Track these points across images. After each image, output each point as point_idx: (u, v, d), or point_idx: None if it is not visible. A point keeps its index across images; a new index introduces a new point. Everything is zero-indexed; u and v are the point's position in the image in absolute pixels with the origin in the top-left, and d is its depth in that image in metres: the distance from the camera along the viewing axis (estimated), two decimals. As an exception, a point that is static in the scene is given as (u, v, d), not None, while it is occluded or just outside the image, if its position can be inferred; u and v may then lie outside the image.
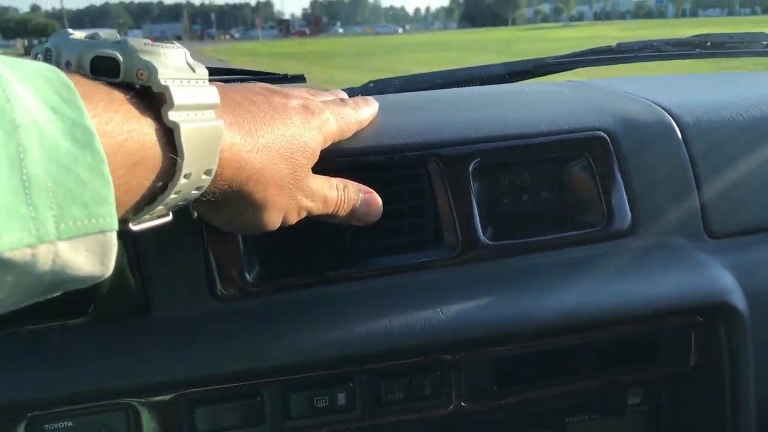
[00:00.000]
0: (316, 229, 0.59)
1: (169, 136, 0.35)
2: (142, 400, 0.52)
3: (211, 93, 0.38)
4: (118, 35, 0.36)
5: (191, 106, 0.36)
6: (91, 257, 0.30)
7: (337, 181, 0.53)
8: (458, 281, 0.59)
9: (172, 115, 0.35)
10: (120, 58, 0.34)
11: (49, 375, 0.51)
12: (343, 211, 0.53)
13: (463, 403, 0.58)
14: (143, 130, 0.33)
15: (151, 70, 0.34)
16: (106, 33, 0.36)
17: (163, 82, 0.34)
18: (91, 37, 0.36)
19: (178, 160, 0.35)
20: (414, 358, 0.57)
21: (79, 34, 0.36)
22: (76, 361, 0.52)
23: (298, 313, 0.56)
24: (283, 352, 0.53)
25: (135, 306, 0.55)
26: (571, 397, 0.63)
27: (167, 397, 0.53)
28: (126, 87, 0.34)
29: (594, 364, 0.61)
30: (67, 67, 0.34)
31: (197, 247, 0.55)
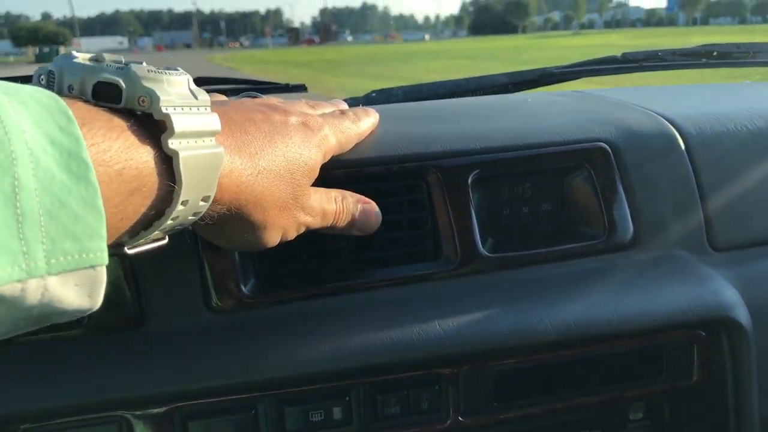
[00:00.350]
0: (314, 241, 0.58)
1: (168, 163, 0.35)
2: (136, 413, 0.52)
3: (212, 120, 0.38)
4: (122, 59, 0.36)
5: (192, 133, 0.36)
6: (80, 291, 0.30)
7: (335, 193, 0.52)
8: (457, 294, 0.59)
9: (172, 143, 0.34)
10: (122, 84, 0.34)
11: (41, 387, 0.50)
12: (341, 223, 0.53)
13: (460, 418, 0.57)
14: (142, 158, 0.33)
15: (153, 98, 0.34)
16: (110, 56, 0.36)
17: (164, 110, 0.34)
18: (95, 60, 0.36)
19: (176, 187, 0.35)
20: (411, 371, 0.56)
21: (82, 57, 0.36)
22: (70, 373, 0.51)
23: (294, 325, 0.55)
24: (278, 365, 0.53)
25: (130, 318, 0.54)
26: (572, 412, 0.62)
27: (161, 410, 0.52)
28: (127, 113, 0.34)
29: (595, 379, 0.61)
30: (69, 91, 0.34)
31: (193, 259, 0.55)
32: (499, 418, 0.59)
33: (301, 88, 0.96)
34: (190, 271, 0.55)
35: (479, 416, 0.58)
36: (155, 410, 0.52)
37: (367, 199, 0.55)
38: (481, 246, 0.60)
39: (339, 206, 0.52)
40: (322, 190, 0.51)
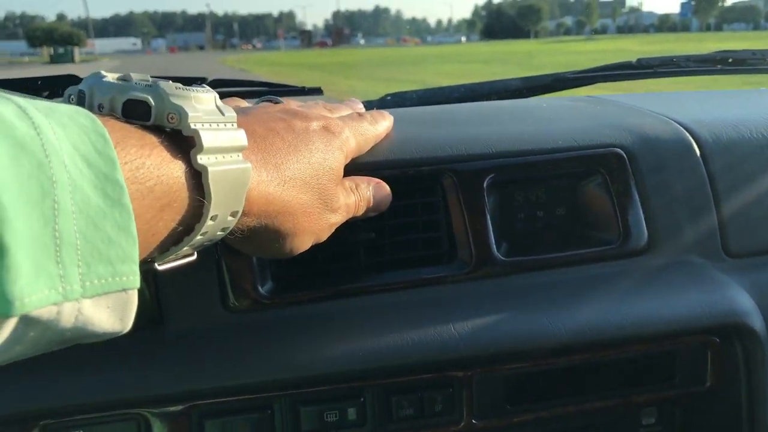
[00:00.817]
0: (330, 242, 0.59)
1: (197, 178, 0.35)
2: (154, 410, 0.53)
3: (238, 135, 0.39)
4: (149, 78, 0.37)
5: (220, 149, 0.36)
6: (113, 314, 0.30)
7: (348, 183, 0.52)
8: (471, 297, 0.59)
9: (201, 159, 0.35)
10: (152, 102, 0.34)
11: (61, 384, 0.51)
12: (361, 211, 0.53)
13: (474, 421, 0.58)
14: (173, 173, 0.34)
15: (182, 114, 0.35)
16: (137, 75, 0.37)
17: (192, 126, 0.35)
18: (123, 79, 0.36)
19: (206, 202, 0.35)
20: (425, 374, 0.56)
21: (111, 76, 0.36)
22: (89, 370, 0.52)
23: (310, 326, 0.56)
24: (294, 365, 0.53)
25: (148, 318, 0.55)
26: (585, 416, 0.62)
27: (178, 408, 0.53)
28: (157, 130, 0.35)
29: (608, 383, 0.61)
30: (99, 110, 0.35)
31: (211, 260, 0.55)
32: (512, 422, 0.59)
33: (317, 92, 0.97)
34: (207, 272, 0.56)
35: (492, 419, 0.58)
36: (172, 408, 0.53)
37: (376, 179, 0.56)
38: (495, 250, 0.61)
39: (357, 196, 0.52)
40: (339, 185, 0.51)
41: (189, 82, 0.94)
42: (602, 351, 0.59)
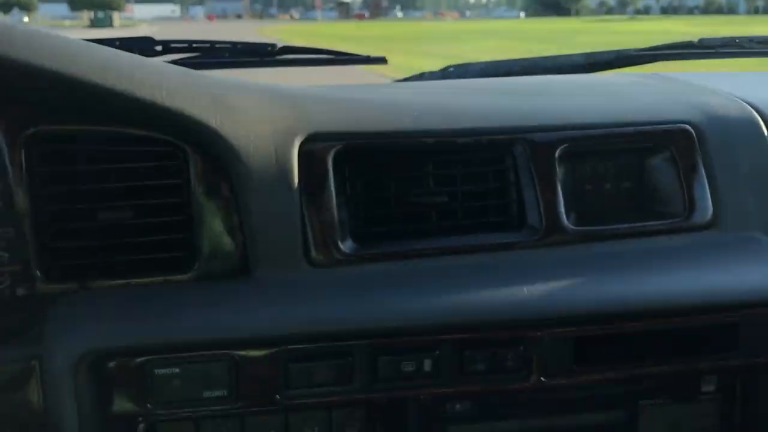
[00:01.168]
0: (404, 204, 0.62)
1: None
2: (242, 352, 0.56)
3: None
4: None
5: None
6: None
7: None
8: (541, 262, 0.61)
9: None
10: None
11: (158, 324, 0.55)
12: None
13: (542, 378, 0.60)
14: None
15: None
16: None
17: None
18: None
19: None
20: (497, 331, 0.59)
21: None
22: (182, 313, 0.56)
23: (387, 282, 0.58)
24: (372, 316, 0.56)
25: (236, 267, 0.58)
26: (647, 380, 0.64)
27: (265, 351, 0.56)
28: None
29: (671, 350, 0.63)
30: None
31: (295, 217, 0.58)
32: (578, 381, 0.61)
33: (381, 61, 0.98)
34: (292, 228, 0.58)
35: (560, 378, 0.61)
36: (259, 352, 0.56)
37: None
38: (565, 218, 0.63)
39: None
40: None
41: (258, 47, 0.96)
42: (666, 319, 0.61)
